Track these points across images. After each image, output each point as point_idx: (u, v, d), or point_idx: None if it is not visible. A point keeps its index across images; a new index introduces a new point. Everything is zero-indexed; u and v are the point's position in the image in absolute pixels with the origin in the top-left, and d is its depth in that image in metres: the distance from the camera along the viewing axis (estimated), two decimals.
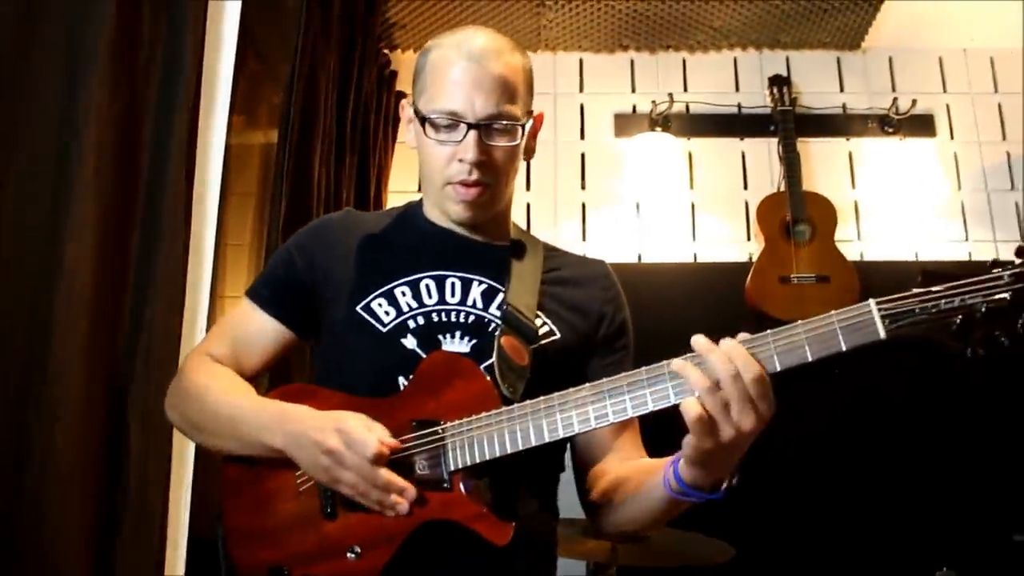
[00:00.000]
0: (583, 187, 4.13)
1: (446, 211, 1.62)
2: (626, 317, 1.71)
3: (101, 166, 1.99)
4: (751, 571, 3.21)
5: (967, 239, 4.04)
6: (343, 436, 1.37)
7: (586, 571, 3.37)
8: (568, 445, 1.63)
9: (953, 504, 3.46)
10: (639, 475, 1.48)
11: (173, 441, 2.07)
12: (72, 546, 1.83)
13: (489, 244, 1.68)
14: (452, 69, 1.53)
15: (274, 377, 2.10)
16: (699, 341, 1.24)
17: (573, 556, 2.82)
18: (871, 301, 1.19)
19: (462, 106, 1.52)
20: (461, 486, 1.38)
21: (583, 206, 4.08)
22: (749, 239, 4.05)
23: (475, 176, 1.55)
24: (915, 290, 1.18)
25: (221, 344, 1.66)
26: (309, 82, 3.05)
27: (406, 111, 1.67)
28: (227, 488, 1.55)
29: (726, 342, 1.22)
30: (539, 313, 1.60)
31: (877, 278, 3.74)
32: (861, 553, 3.42)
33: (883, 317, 1.18)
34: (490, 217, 1.65)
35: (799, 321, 1.23)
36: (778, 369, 1.22)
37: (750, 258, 3.97)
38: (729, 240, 4.07)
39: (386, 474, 1.36)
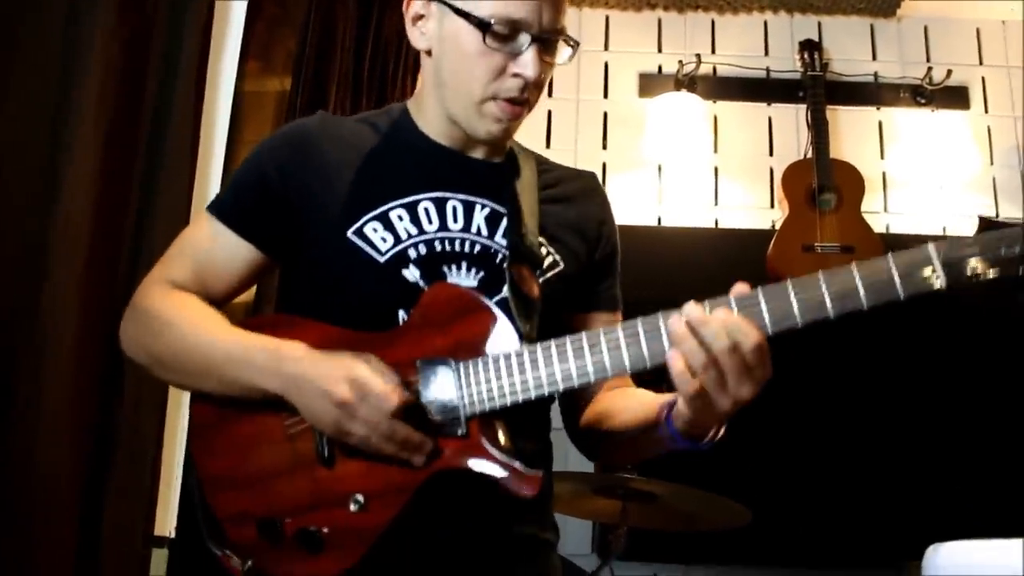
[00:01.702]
0: (604, 147, 4.03)
1: (474, 128, 1.44)
2: (617, 236, 1.62)
3: (105, 91, 1.93)
4: (767, 539, 3.14)
5: (997, 216, 3.90)
6: (357, 388, 1.22)
7: (592, 531, 3.30)
8: None
9: (977, 475, 3.36)
10: (630, 410, 1.39)
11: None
12: (59, 486, 1.77)
13: (487, 162, 1.52)
14: None
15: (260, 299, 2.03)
16: (692, 314, 1.14)
17: (580, 515, 2.75)
18: (930, 246, 1.11)
19: (529, 15, 1.35)
20: (478, 432, 1.26)
21: (604, 166, 3.98)
22: (773, 206, 3.94)
23: (526, 95, 1.41)
24: (975, 235, 1.11)
25: (182, 268, 1.46)
26: (325, 25, 2.97)
27: (417, 6, 1.44)
28: (198, 432, 1.40)
29: (719, 312, 1.14)
30: (543, 240, 1.48)
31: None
32: (883, 527, 3.32)
33: (943, 264, 1.10)
34: None
35: (819, 272, 1.15)
36: (799, 324, 1.14)
37: (773, 226, 3.85)
38: (752, 207, 3.96)
39: (403, 429, 1.23)
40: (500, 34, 1.36)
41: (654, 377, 1.29)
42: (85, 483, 1.82)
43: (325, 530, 1.28)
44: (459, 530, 1.34)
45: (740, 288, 1.17)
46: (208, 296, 1.46)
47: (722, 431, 1.25)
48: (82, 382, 1.83)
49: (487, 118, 1.42)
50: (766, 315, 1.14)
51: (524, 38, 1.37)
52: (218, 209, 1.48)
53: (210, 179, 2.29)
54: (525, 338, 1.30)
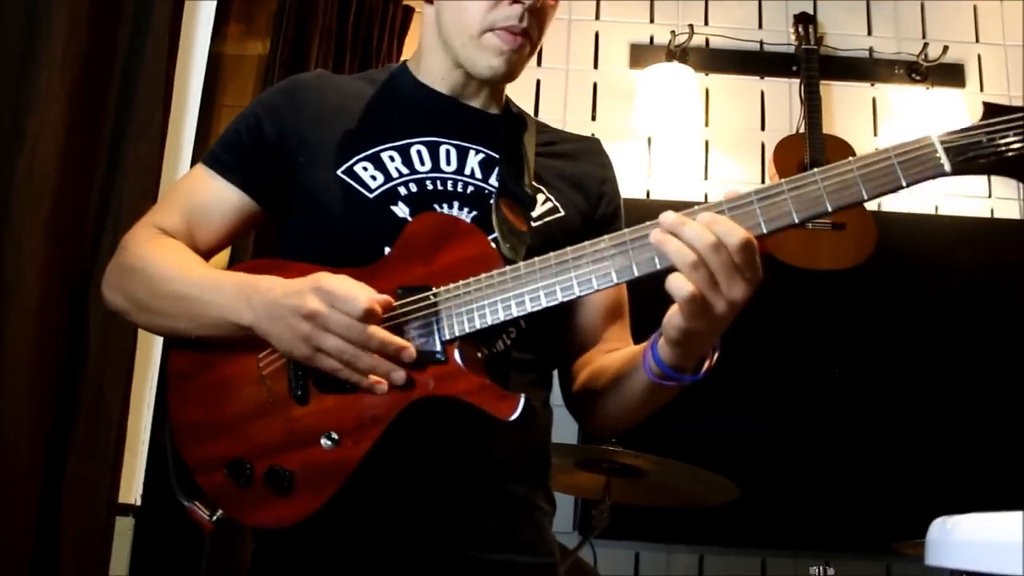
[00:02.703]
0: (594, 118, 3.96)
1: (476, 65, 1.42)
2: (620, 200, 1.57)
3: (72, 43, 1.85)
4: (754, 516, 3.10)
5: (990, 195, 3.86)
6: (324, 295, 1.17)
7: (574, 509, 3.26)
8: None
9: (966, 461, 3.33)
10: (618, 363, 1.34)
11: (138, 337, 1.93)
12: (18, 445, 1.69)
13: (485, 112, 1.51)
14: None
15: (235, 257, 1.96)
16: (667, 219, 1.08)
17: (563, 490, 2.69)
18: (932, 135, 1.07)
19: None
20: (457, 357, 1.20)
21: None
22: (763, 181, 3.87)
23: (525, 23, 1.37)
24: (979, 122, 1.06)
25: (172, 214, 1.43)
26: None
27: None
28: (173, 379, 1.37)
29: (704, 215, 1.08)
30: (539, 187, 1.44)
31: (895, 230, 3.62)
32: (871, 506, 3.28)
33: (947, 150, 1.05)
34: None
35: (815, 170, 1.10)
36: (797, 221, 1.09)
37: None
38: (743, 181, 3.87)
39: (379, 332, 1.18)
40: None
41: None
42: (46, 445, 1.74)
43: (295, 470, 1.23)
44: (434, 475, 1.29)
45: (732, 192, 1.12)
46: (195, 245, 1.43)
47: (715, 358, 1.20)
48: (45, 339, 1.75)
49: (488, 51, 1.40)
50: (759, 213, 1.09)
51: None
52: (211, 158, 1.46)
53: (182, 138, 2.21)
54: (511, 263, 1.24)
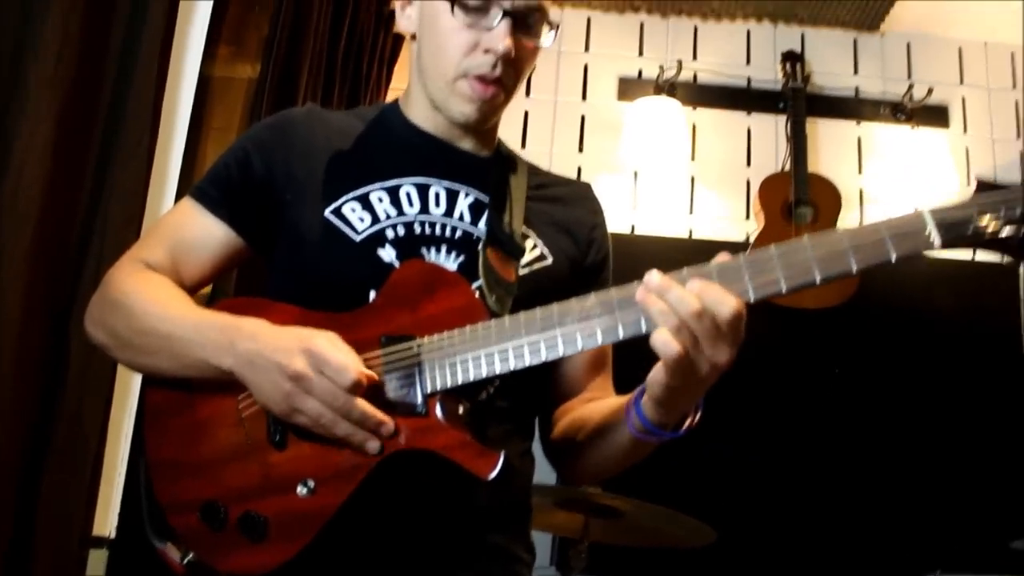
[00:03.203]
0: (581, 150, 3.99)
1: (449, 110, 1.42)
2: (610, 248, 1.57)
3: (61, 63, 1.83)
4: (731, 560, 3.09)
5: None
6: (313, 359, 1.16)
7: (551, 545, 3.23)
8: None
9: (949, 506, 3.35)
10: (600, 415, 1.33)
11: (118, 366, 1.90)
12: None
13: (475, 154, 1.50)
14: None
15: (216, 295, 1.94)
16: (653, 279, 1.07)
17: (542, 528, 2.68)
18: (923, 209, 1.06)
19: None
20: (438, 411, 1.19)
21: (579, 170, 3.93)
22: (748, 218, 3.91)
23: (498, 72, 1.36)
24: (970, 198, 1.06)
25: (157, 249, 1.43)
26: (299, 7, 2.87)
27: None
28: (151, 416, 1.34)
29: (694, 283, 1.06)
30: (528, 231, 1.44)
31: (877, 271, 3.61)
32: (850, 552, 3.30)
33: (938, 225, 1.04)
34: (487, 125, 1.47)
35: (805, 237, 1.10)
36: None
37: (747, 238, 3.83)
38: (727, 217, 3.93)
39: (362, 405, 1.16)
40: (470, 6, 1.35)
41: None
42: (20, 473, 1.71)
43: (270, 516, 1.21)
44: (412, 525, 1.27)
45: (722, 256, 1.11)
46: (180, 280, 1.42)
47: (697, 417, 1.20)
48: (24, 365, 1.72)
49: (459, 97, 1.39)
50: (748, 282, 1.08)
51: (495, 11, 1.35)
52: (198, 192, 1.45)
53: (169, 162, 2.20)
54: (496, 316, 1.23)
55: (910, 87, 3.99)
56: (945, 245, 1.05)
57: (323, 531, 1.19)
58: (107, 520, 1.94)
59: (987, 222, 1.05)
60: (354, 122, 1.52)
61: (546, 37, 1.40)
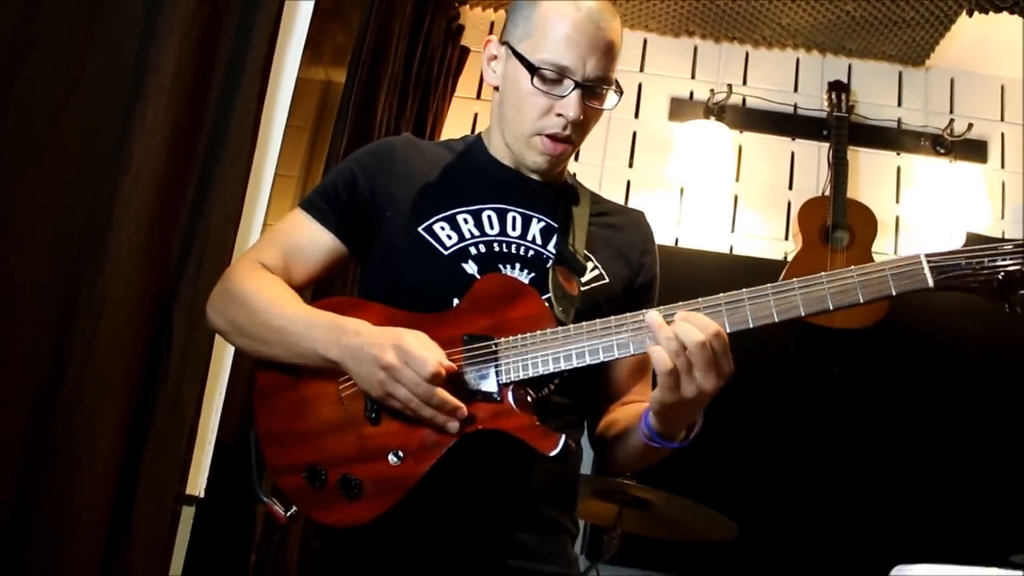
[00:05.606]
0: (631, 165, 4.16)
1: (523, 158, 1.66)
2: (657, 271, 1.79)
3: (178, 76, 2.03)
4: (752, 553, 3.28)
5: None
6: (401, 352, 1.38)
7: (583, 534, 3.43)
8: None
9: (951, 519, 3.49)
10: (624, 419, 1.58)
11: (212, 350, 2.13)
12: (105, 435, 1.88)
13: (546, 185, 1.71)
14: (567, 24, 1.55)
15: (316, 293, 2.15)
16: (652, 320, 1.32)
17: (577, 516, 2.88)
18: (921, 253, 1.26)
19: (574, 63, 1.55)
20: (510, 397, 1.41)
21: (628, 183, 4.11)
22: (787, 238, 4.08)
23: (568, 132, 1.59)
24: (962, 247, 1.25)
25: (272, 252, 1.66)
26: (383, 24, 3.10)
27: (493, 48, 1.68)
28: (260, 394, 1.57)
29: (694, 316, 1.31)
30: (589, 254, 1.66)
31: (908, 295, 3.75)
32: (850, 552, 3.47)
33: (932, 268, 1.24)
34: None
35: (823, 273, 1.31)
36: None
37: (785, 257, 4.01)
38: (767, 236, 4.10)
39: (441, 393, 1.38)
40: (547, 78, 1.57)
41: None
42: (126, 439, 1.94)
43: (365, 479, 1.44)
44: (482, 494, 1.49)
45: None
46: (289, 279, 1.65)
47: (694, 432, 1.44)
48: (133, 347, 1.94)
49: (533, 150, 1.63)
50: (748, 313, 1.32)
51: (568, 83, 1.56)
52: (308, 204, 1.69)
53: (264, 164, 2.40)
54: (562, 324, 1.46)
55: (951, 121, 4.12)
56: (938, 286, 1.25)
57: (409, 493, 1.41)
58: (197, 481, 2.18)
59: (973, 269, 1.24)
60: (444, 152, 1.75)
61: (610, 100, 1.63)
